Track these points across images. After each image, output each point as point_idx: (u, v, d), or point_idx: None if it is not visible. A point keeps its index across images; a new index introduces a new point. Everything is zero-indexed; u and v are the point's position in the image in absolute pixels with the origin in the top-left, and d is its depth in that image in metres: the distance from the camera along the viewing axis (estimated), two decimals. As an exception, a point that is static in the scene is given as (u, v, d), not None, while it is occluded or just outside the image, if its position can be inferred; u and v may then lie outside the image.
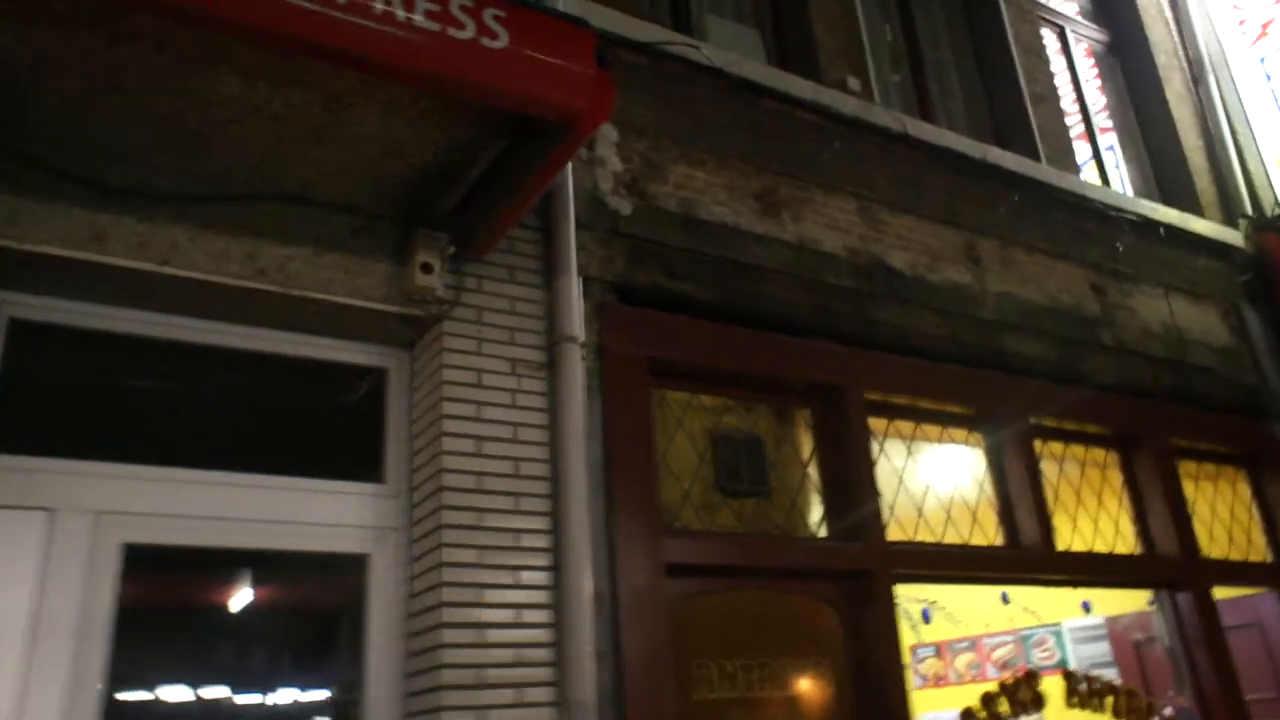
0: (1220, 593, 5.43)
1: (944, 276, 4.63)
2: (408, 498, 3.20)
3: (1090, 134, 6.37)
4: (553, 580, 3.06)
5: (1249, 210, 6.38)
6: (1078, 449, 4.93)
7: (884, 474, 4.14)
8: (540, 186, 2.97)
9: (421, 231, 3.18)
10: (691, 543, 3.47)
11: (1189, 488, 5.32)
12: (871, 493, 3.88)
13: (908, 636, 7.34)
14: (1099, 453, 5.02)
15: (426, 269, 3.15)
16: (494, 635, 2.93)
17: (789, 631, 3.65)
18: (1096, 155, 6.30)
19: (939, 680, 7.50)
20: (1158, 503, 4.91)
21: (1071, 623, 6.60)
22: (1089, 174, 6.26)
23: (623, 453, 3.34)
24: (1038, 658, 6.80)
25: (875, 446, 4.16)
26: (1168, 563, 4.81)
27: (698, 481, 3.68)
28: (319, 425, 3.37)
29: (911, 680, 7.88)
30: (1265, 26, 6.76)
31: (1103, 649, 6.33)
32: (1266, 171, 6.55)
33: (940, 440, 4.44)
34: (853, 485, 3.87)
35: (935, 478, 4.33)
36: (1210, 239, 6.06)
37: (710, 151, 4.10)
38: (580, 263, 3.52)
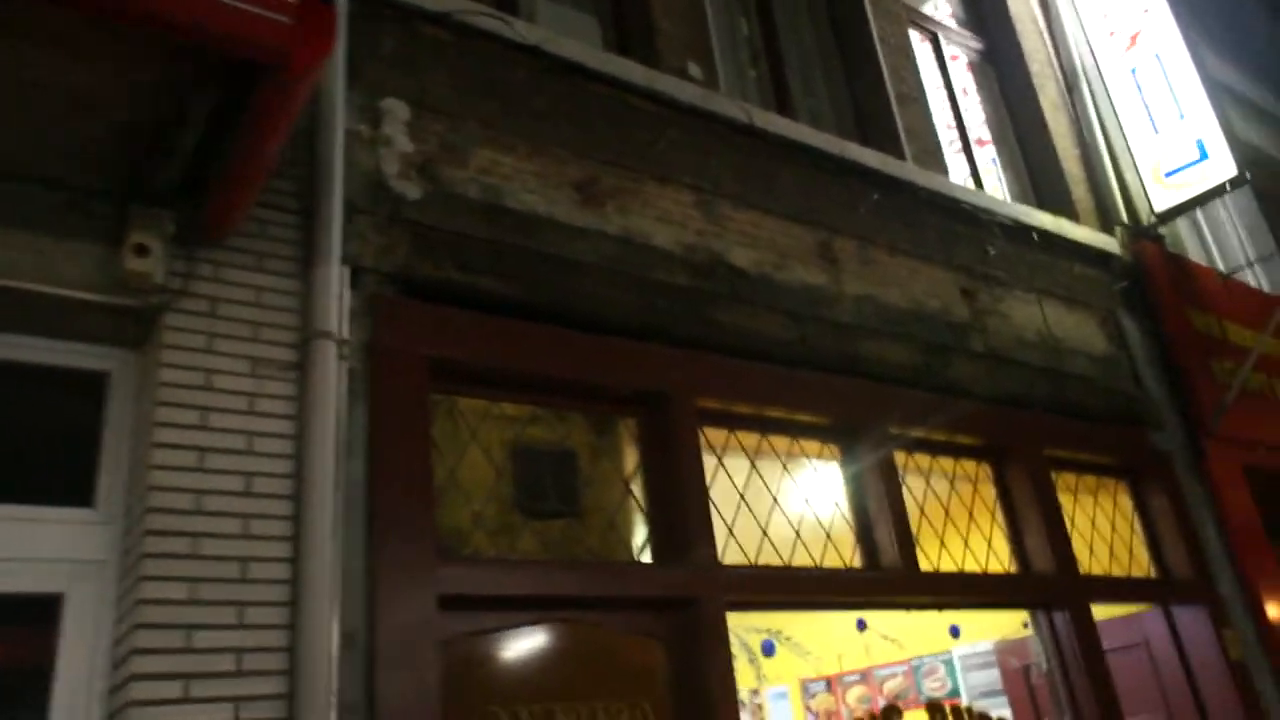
0: (1104, 611, 5.12)
1: (795, 276, 4.27)
2: (123, 524, 2.67)
3: (965, 141, 6.15)
4: (290, 619, 2.55)
5: (1125, 219, 6.20)
6: (946, 462, 4.58)
7: (722, 491, 3.73)
8: (262, 151, 2.51)
9: (137, 208, 2.69)
10: (478, 572, 2.99)
11: (1068, 501, 5.02)
12: (702, 511, 3.45)
13: (787, 669, 6.96)
14: (970, 465, 4.68)
15: (142, 252, 2.66)
16: (205, 688, 2.40)
17: (603, 671, 3.17)
18: (970, 163, 6.07)
19: (830, 718, 7.07)
20: (1033, 517, 4.57)
21: (961, 650, 6.24)
22: (966, 180, 6.03)
23: (390, 468, 2.86)
24: (929, 688, 6.42)
25: (712, 460, 3.75)
26: (1043, 581, 4.47)
27: (493, 501, 3.21)
28: (24, 440, 2.82)
29: (803, 718, 7.45)
30: (1134, 38, 6.66)
31: (993, 676, 5.96)
32: (1141, 181, 6.39)
33: (790, 453, 4.04)
34: (681, 503, 3.43)
35: (784, 494, 3.92)
36: (1087, 245, 5.85)
37: (523, 136, 3.69)
38: (351, 251, 3.07)
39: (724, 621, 3.30)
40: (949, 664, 6.34)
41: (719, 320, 3.89)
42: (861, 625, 5.83)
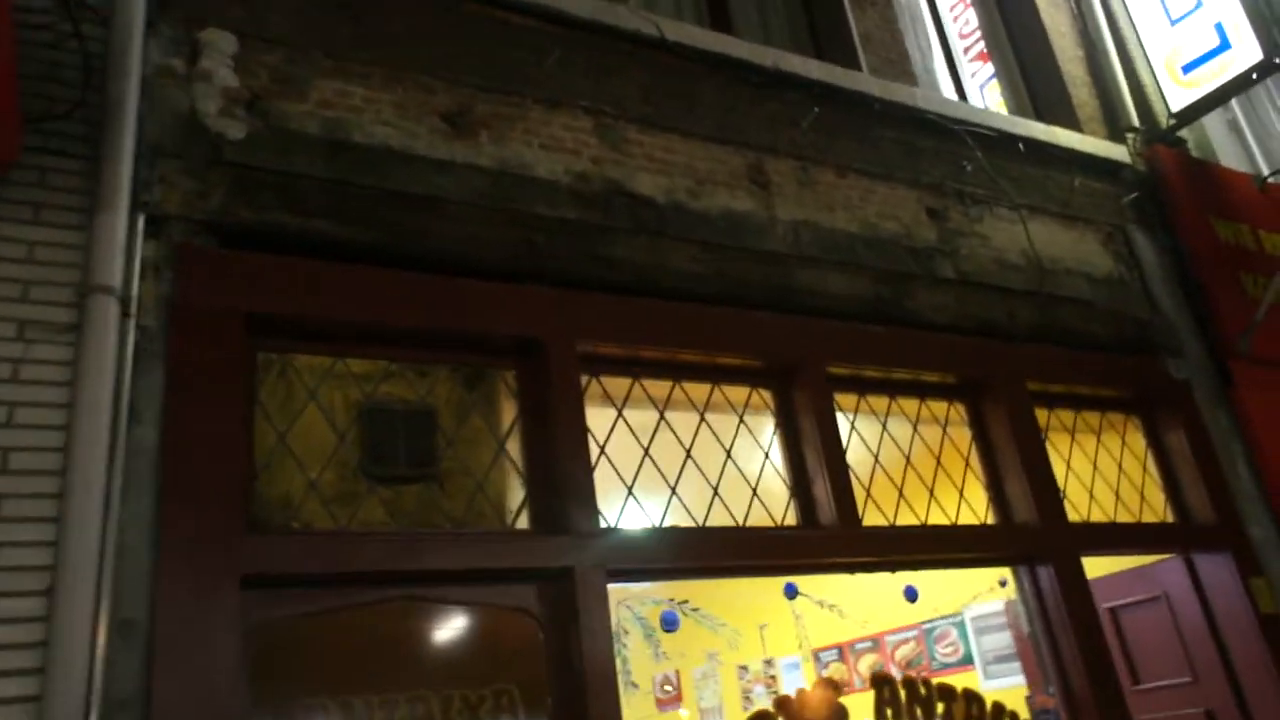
0: (1116, 564, 4.58)
1: (715, 203, 3.81)
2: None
3: (946, 48, 5.54)
4: (47, 609, 2.26)
5: (1137, 124, 5.52)
6: (908, 403, 4.08)
7: (624, 446, 3.33)
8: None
9: (-127, 159, 2.41)
10: (304, 546, 2.66)
11: (1062, 442, 4.47)
12: (584, 470, 3.05)
13: (781, 638, 6.47)
14: (938, 406, 4.17)
15: (-121, 207, 2.38)
16: (-61, 692, 2.13)
17: (462, 653, 2.84)
18: (954, 73, 5.47)
19: (845, 687, 6.59)
20: (1012, 461, 4.04)
21: (974, 611, 5.70)
22: (951, 93, 5.43)
23: (189, 435, 2.54)
24: (941, 654, 5.91)
25: (609, 412, 3.35)
26: (1022, 532, 3.94)
27: (334, 468, 2.87)
28: None
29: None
30: (1150, -82, 5.89)
31: (1005, 640, 5.43)
32: (1156, 79, 5.68)
33: (712, 403, 3.61)
34: (560, 462, 3.04)
35: (703, 448, 3.49)
36: (1089, 155, 5.20)
37: (379, 64, 3.32)
38: (154, 198, 2.76)
39: (605, 593, 2.91)
40: (960, 627, 5.81)
41: (614, 256, 3.47)
42: (791, 591, 5.29)
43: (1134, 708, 4.48)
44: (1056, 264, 4.75)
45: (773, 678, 6.89)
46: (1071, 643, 3.73)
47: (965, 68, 5.85)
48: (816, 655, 6.74)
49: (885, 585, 5.85)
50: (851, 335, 3.87)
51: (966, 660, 5.80)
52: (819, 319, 3.84)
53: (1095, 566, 4.73)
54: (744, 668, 7.08)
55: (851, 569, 3.52)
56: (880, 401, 4.00)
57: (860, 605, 6.24)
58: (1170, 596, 4.55)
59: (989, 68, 5.73)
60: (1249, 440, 4.80)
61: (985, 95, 5.74)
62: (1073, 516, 4.24)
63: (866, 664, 6.44)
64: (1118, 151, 5.33)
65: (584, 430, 3.12)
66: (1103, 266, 4.95)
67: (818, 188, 4.15)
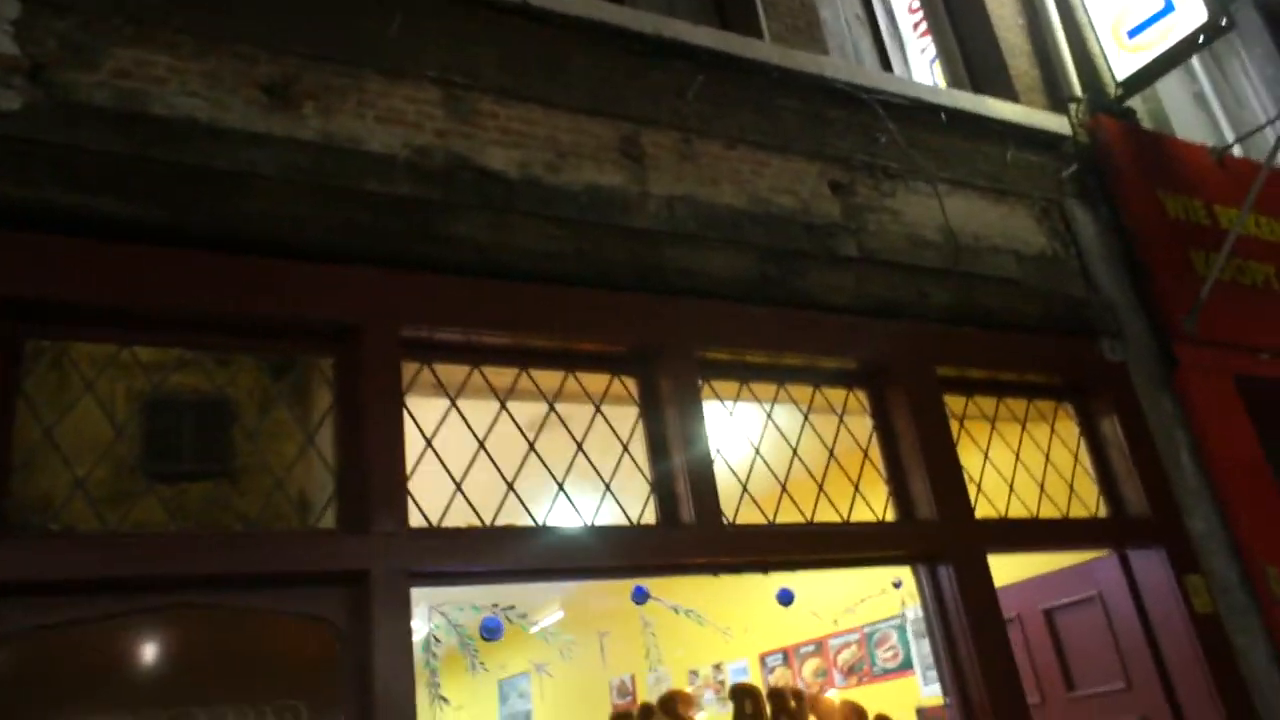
0: (1053, 562, 4.26)
1: (578, 178, 3.54)
2: None
3: (871, 17, 5.24)
4: None
5: (1080, 93, 5.17)
6: (799, 391, 3.78)
7: (458, 439, 3.07)
8: None
9: None
10: (52, 550, 2.43)
11: (981, 431, 4.15)
12: (394, 464, 2.80)
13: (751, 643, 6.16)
14: (835, 394, 3.86)
15: None
16: None
17: (243, 666, 2.59)
18: (877, 40, 5.16)
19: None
20: (915, 453, 3.73)
21: (913, 611, 5.36)
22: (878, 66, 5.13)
23: (-82, 429, 2.32)
24: (881, 658, 5.58)
25: (441, 403, 3.10)
26: (921, 530, 3.63)
27: (106, 464, 2.64)
28: None
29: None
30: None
31: None
32: (1101, 46, 5.33)
33: (565, 392, 3.33)
34: (370, 456, 2.79)
35: (551, 441, 3.22)
36: (1025, 126, 4.88)
37: (192, 32, 3.09)
38: (-100, 175, 2.53)
39: (407, 599, 2.65)
40: (901, 630, 5.47)
41: (452, 234, 3.21)
42: (640, 595, 4.93)
43: (1068, 716, 4.17)
44: (981, 240, 4.43)
45: (721, 683, 6.59)
46: (970, 648, 3.41)
47: (914, 44, 5.55)
48: (763, 659, 6.44)
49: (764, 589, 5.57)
50: (730, 317, 3.59)
51: (906, 665, 5.48)
52: (693, 299, 3.55)
53: (1032, 565, 4.42)
54: (694, 672, 6.80)
55: (714, 570, 3.23)
56: (766, 389, 3.70)
57: (732, 611, 5.92)
58: (1105, 596, 4.22)
59: (926, 37, 5.42)
60: (1194, 427, 4.45)
61: (934, 71, 5.43)
62: (988, 512, 3.93)
63: (811, 669, 6.12)
64: (1057, 122, 5.00)
65: (399, 421, 2.87)
66: (1035, 243, 4.62)
67: (701, 161, 3.86)
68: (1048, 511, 4.10)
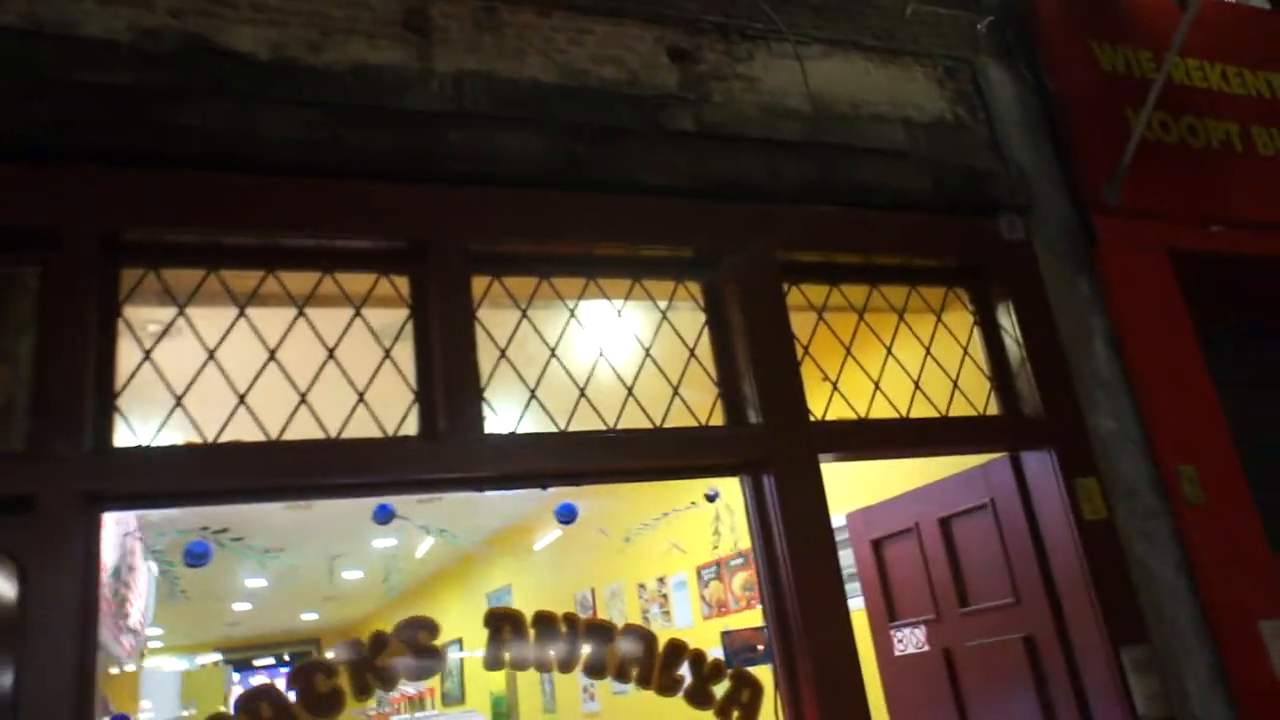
0: (949, 466, 3.87)
1: (343, 57, 3.18)
2: None
3: None
4: None
5: (1009, -71, 4.49)
6: (614, 285, 3.40)
7: (189, 352, 2.82)
8: None
9: None
10: None
11: (845, 322, 3.71)
12: (73, 379, 2.56)
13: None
14: (660, 286, 3.47)
15: None
16: None
17: (-92, 596, 2.42)
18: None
19: (721, 608, 6.02)
20: (745, 347, 3.34)
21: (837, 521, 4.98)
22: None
23: None
24: None
25: (166, 311, 2.85)
26: (743, 436, 3.26)
27: None
28: None
29: (699, 609, 6.46)
30: None
31: (847, 559, 4.72)
32: None
33: (319, 294, 3.03)
34: (58, 374, 2.56)
35: (303, 350, 2.94)
36: (932, -26, 4.26)
37: (-123, -88, 2.80)
38: None
39: (85, 524, 2.45)
40: None
41: (181, 125, 2.90)
42: (383, 513, 4.54)
43: (960, 633, 3.85)
44: (861, 108, 3.90)
45: (665, 595, 6.37)
46: (789, 569, 3.07)
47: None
48: (699, 572, 6.18)
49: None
50: (523, 204, 3.21)
51: None
52: (480, 187, 3.19)
53: (930, 470, 4.04)
54: (642, 586, 6.60)
55: (477, 486, 2.94)
56: (571, 285, 3.33)
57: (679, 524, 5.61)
58: (997, 503, 3.79)
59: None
60: (1111, 311, 3.91)
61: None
62: (844, 414, 3.52)
63: (739, 582, 5.83)
64: (974, -33, 4.36)
65: (91, 334, 2.63)
66: (932, 109, 4.06)
67: (505, 32, 3.44)
68: (923, 411, 3.66)
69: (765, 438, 3.21)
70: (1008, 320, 3.82)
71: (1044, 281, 3.89)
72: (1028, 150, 4.15)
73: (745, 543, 3.72)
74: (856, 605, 4.65)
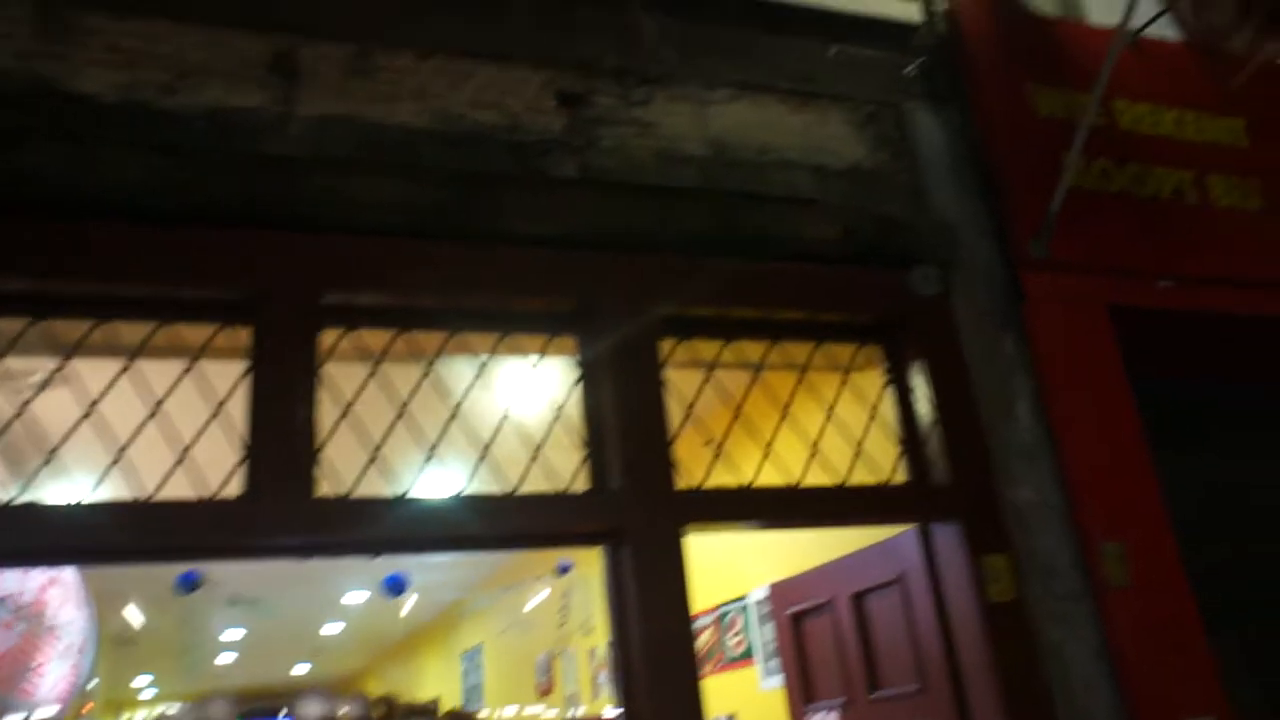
0: (865, 536, 3.63)
1: (198, 101, 3.08)
2: None
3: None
4: None
5: (947, -30, 4.29)
6: (481, 340, 3.23)
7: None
8: None
9: None
10: None
11: (738, 380, 3.49)
12: None
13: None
14: (530, 341, 3.29)
15: None
16: None
17: None
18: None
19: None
20: (616, 410, 3.13)
21: (759, 593, 4.71)
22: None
23: None
24: (730, 644, 4.95)
25: (-23, 360, 2.73)
26: (601, 502, 3.05)
27: None
28: None
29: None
30: None
31: (770, 633, 4.44)
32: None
33: (151, 346, 2.91)
34: None
35: (123, 405, 2.81)
36: (858, 16, 4.07)
37: None
38: None
39: None
40: (745, 612, 4.81)
41: (20, 169, 2.81)
42: (188, 581, 4.25)
43: None
44: (768, 154, 3.71)
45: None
46: (642, 653, 2.83)
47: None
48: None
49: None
50: (384, 254, 3.07)
51: (748, 655, 4.84)
52: (336, 235, 3.05)
53: (867, 538, 3.79)
54: (593, 651, 6.33)
55: (305, 553, 2.76)
56: (432, 339, 3.17)
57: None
58: (906, 579, 3.51)
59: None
60: (1038, 373, 3.63)
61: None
62: (724, 481, 3.29)
63: None
64: (904, 9, 4.16)
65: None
66: (848, 155, 3.85)
67: (379, 76, 3.32)
68: (821, 478, 3.41)
69: (622, 505, 2.99)
70: (921, 380, 3.56)
71: (962, 339, 3.63)
72: (955, 200, 3.91)
73: (596, 622, 3.48)
74: (778, 683, 4.40)
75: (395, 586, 4.54)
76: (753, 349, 3.53)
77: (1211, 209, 4.16)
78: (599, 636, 6.22)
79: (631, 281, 3.30)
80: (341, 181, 3.13)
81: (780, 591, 4.24)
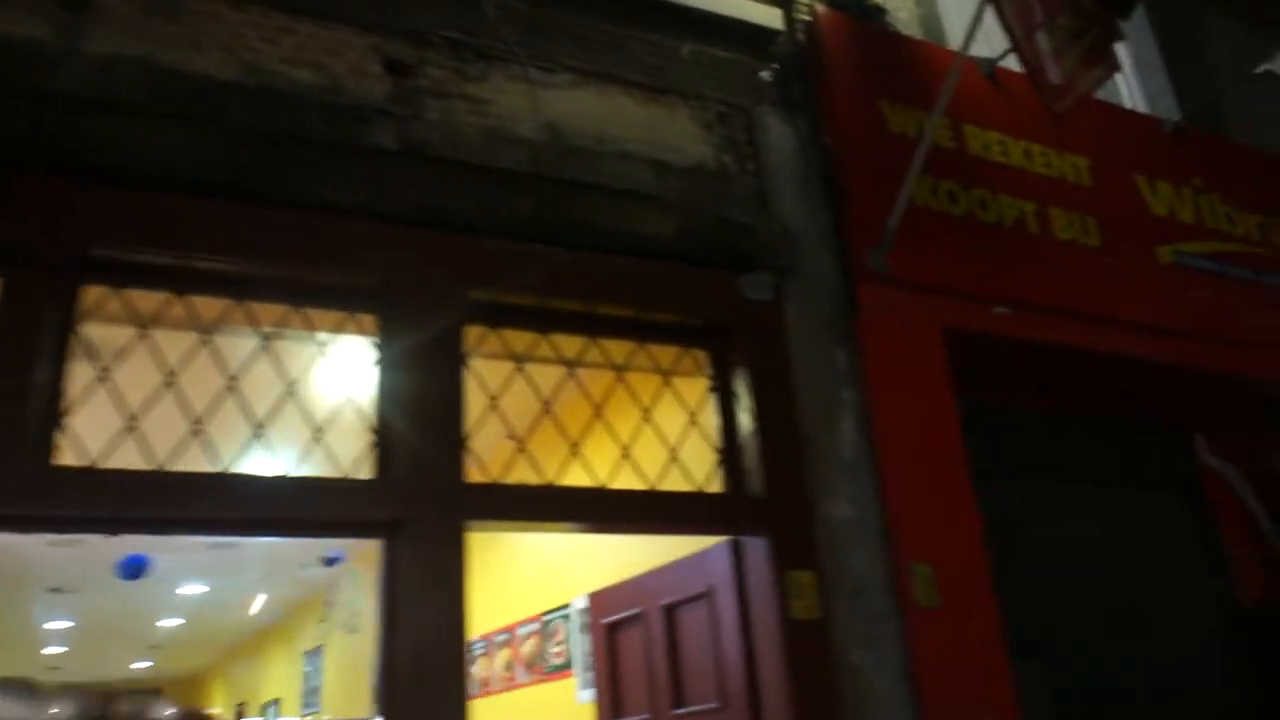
0: (683, 546, 3.48)
1: (-32, 26, 2.78)
2: None
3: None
4: None
5: (819, -17, 4.26)
6: (268, 310, 3.00)
7: None
8: None
9: None
10: None
11: (549, 376, 3.32)
12: None
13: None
14: (332, 318, 3.07)
15: None
16: None
17: None
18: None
19: (485, 687, 5.52)
20: (413, 394, 2.93)
21: (581, 602, 4.56)
22: None
23: None
24: (552, 654, 4.78)
25: None
26: (383, 491, 2.84)
27: None
28: None
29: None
30: None
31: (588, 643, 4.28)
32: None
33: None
34: None
35: None
36: (719, 16, 3.99)
37: None
38: None
39: None
40: (569, 622, 4.65)
41: None
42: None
43: (671, 737, 3.38)
44: (606, 145, 3.58)
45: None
46: (405, 656, 2.62)
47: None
48: (470, 646, 5.68)
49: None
50: (166, 210, 2.82)
51: (569, 665, 4.67)
52: (111, 187, 2.78)
53: (681, 550, 3.64)
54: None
55: (46, 526, 2.49)
56: (213, 306, 2.92)
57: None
58: (715, 592, 3.38)
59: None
60: (866, 387, 3.57)
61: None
62: (528, 478, 3.12)
63: (502, 660, 5.34)
64: (766, 14, 4.10)
65: None
66: (692, 153, 3.75)
67: (184, 19, 3.08)
68: (630, 482, 3.27)
69: (404, 495, 2.79)
70: (744, 388, 3.45)
71: (792, 349, 3.54)
72: (799, 208, 3.84)
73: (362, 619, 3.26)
74: (591, 695, 4.22)
75: (133, 568, 4.19)
76: (569, 344, 3.37)
77: (1053, 240, 4.19)
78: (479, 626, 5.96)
79: (441, 262, 3.12)
80: (127, 129, 2.86)
81: (598, 600, 4.08)
